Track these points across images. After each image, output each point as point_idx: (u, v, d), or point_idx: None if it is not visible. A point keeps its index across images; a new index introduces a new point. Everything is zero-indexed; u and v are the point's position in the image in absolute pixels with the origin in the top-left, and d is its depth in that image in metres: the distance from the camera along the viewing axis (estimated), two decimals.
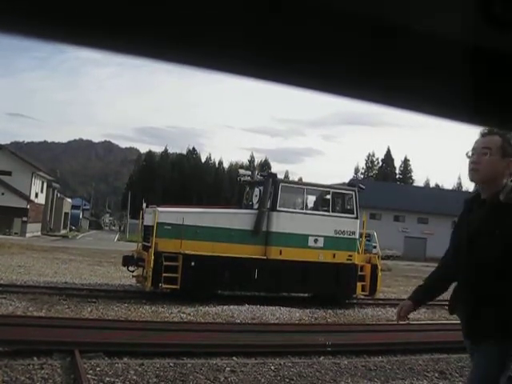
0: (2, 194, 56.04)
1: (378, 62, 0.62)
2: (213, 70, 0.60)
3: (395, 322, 14.23)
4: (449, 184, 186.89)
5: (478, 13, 0.56)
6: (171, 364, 9.11)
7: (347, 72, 0.62)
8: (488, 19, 0.56)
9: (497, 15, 0.55)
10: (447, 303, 4.42)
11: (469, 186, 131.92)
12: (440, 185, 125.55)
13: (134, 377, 8.28)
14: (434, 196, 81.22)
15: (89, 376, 8.04)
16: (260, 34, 0.57)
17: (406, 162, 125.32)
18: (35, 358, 8.68)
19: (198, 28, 0.56)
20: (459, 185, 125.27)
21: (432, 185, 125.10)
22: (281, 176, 22.12)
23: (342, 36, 0.58)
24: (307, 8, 0.55)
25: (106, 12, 0.54)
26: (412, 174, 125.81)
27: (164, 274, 16.03)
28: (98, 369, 8.50)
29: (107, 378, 8.08)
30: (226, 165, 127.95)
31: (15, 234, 54.62)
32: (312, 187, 19.10)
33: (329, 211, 18.22)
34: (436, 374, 10.00)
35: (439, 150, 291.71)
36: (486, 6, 0.55)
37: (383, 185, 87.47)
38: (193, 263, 16.24)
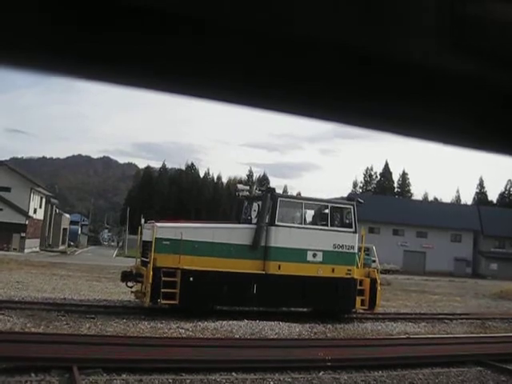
0: (1, 209, 56.00)
1: (365, 89, 0.63)
2: (207, 100, 0.61)
3: (395, 337, 14.16)
4: (447, 197, 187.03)
5: (445, 39, 0.57)
6: (170, 380, 9.07)
7: (337, 99, 0.64)
8: (458, 46, 0.58)
9: (465, 42, 0.57)
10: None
11: (468, 199, 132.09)
12: (439, 198, 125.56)
13: None
14: (433, 210, 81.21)
15: None
16: (252, 66, 0.58)
17: (404, 175, 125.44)
18: (33, 375, 8.64)
19: (195, 64, 0.57)
20: (458, 198, 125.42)
21: (431, 198, 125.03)
22: (279, 191, 22.12)
23: (331, 67, 0.59)
24: (297, 42, 0.56)
25: (105, 48, 0.56)
26: (410, 187, 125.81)
27: (163, 290, 15.97)
28: None
29: None
30: (224, 180, 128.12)
31: (14, 249, 54.51)
32: (310, 202, 19.09)
33: (327, 225, 18.20)
34: None
35: (437, 164, 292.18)
36: (454, 32, 0.57)
37: (382, 199, 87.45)
38: (191, 278, 16.19)
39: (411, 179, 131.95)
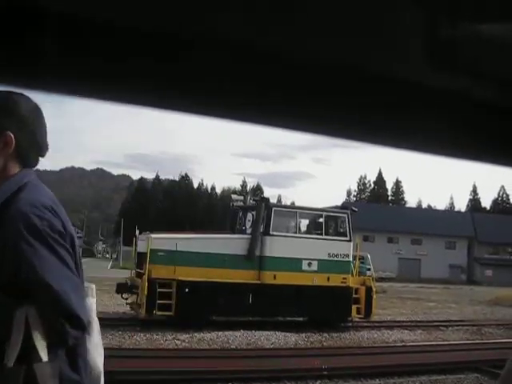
0: None
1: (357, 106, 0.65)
2: (202, 115, 0.63)
3: (391, 344, 14.16)
4: (441, 204, 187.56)
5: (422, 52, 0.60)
6: None
7: (330, 115, 0.65)
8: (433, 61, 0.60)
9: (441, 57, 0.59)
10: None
11: (461, 206, 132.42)
12: (432, 205, 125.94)
13: None
14: (427, 217, 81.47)
15: None
16: (245, 80, 0.60)
17: (397, 183, 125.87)
18: None
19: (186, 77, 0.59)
20: (451, 205, 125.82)
21: (424, 206, 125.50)
22: (273, 200, 22.15)
23: (326, 84, 0.61)
24: (292, 59, 0.58)
25: (98, 66, 0.57)
26: (404, 195, 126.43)
27: (158, 301, 15.94)
28: None
29: None
30: (218, 190, 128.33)
31: None
32: (305, 211, 19.13)
33: (322, 234, 18.23)
34: None
35: (431, 171, 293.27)
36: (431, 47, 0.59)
37: (376, 207, 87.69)
38: (187, 289, 16.16)
39: (405, 187, 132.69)
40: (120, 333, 14.80)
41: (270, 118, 0.65)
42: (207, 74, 0.59)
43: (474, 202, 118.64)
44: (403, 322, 20.94)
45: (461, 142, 0.74)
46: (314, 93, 0.62)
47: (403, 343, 15.91)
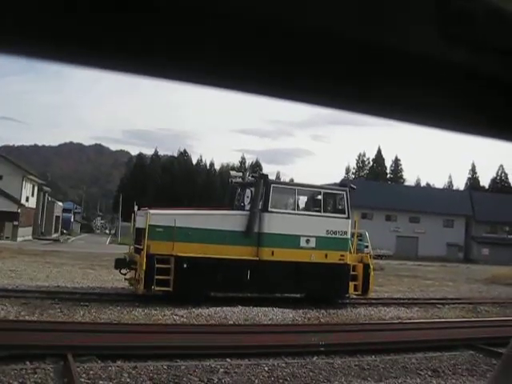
0: None
1: (359, 76, 0.64)
2: (198, 85, 0.62)
3: (388, 321, 14.23)
4: (440, 183, 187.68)
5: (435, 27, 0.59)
6: (165, 366, 9.11)
7: (331, 84, 0.64)
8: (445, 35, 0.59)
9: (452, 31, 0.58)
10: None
11: (460, 185, 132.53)
12: (431, 184, 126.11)
13: (128, 380, 8.28)
14: (426, 195, 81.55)
15: (82, 380, 8.03)
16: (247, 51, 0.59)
17: (396, 161, 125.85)
18: (28, 363, 8.66)
19: (184, 45, 0.58)
20: (450, 184, 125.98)
21: (423, 184, 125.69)
22: (272, 177, 22.12)
23: (328, 53, 0.60)
24: (296, 27, 0.57)
25: (94, 32, 0.56)
26: (403, 173, 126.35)
27: (156, 277, 16.00)
28: (91, 372, 8.49)
29: (100, 382, 8.08)
30: (217, 166, 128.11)
31: (6, 238, 54.38)
32: (303, 188, 19.11)
33: (320, 211, 18.24)
34: (429, 372, 10.05)
35: (430, 150, 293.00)
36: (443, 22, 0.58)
37: (374, 184, 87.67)
38: (185, 265, 16.22)
39: (404, 165, 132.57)
40: (118, 308, 14.89)
41: (270, 88, 0.64)
42: (206, 43, 0.58)
43: (473, 181, 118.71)
44: (400, 299, 21.06)
45: (464, 116, 0.73)
46: (316, 63, 0.61)
47: (400, 320, 16.01)
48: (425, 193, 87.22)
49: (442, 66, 0.63)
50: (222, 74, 0.61)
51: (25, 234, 60.04)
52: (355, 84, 0.65)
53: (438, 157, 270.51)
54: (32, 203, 65.72)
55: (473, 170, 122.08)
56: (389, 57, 0.61)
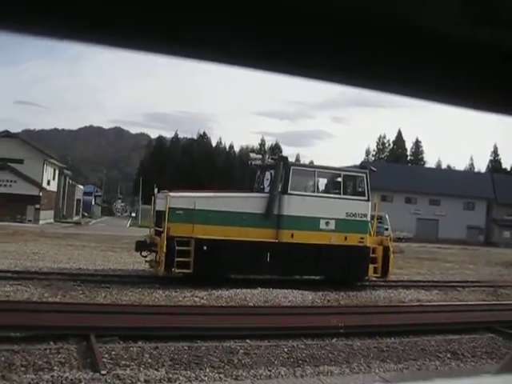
0: (15, 181, 56.39)
1: (378, 54, 0.64)
2: (213, 62, 0.63)
3: (407, 304, 14.19)
4: (461, 165, 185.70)
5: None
6: (185, 347, 9.21)
7: (350, 63, 0.65)
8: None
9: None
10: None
11: (481, 167, 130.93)
12: (452, 166, 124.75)
13: (149, 360, 8.39)
14: (446, 177, 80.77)
15: (104, 360, 8.15)
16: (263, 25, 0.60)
17: (417, 143, 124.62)
18: (52, 343, 8.82)
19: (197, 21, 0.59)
20: (471, 166, 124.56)
21: (444, 166, 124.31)
22: (292, 159, 22.08)
23: (344, 31, 0.61)
24: (307, 6, 0.58)
25: (102, 9, 0.57)
26: (423, 155, 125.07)
27: (177, 259, 16.11)
28: (113, 352, 8.62)
29: (123, 362, 8.20)
30: (236, 149, 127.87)
31: (29, 221, 55.01)
32: (323, 170, 19.05)
33: (340, 194, 18.19)
34: (448, 355, 10.05)
35: (451, 131, 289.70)
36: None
37: (395, 167, 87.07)
38: (205, 247, 16.30)
39: (424, 147, 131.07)
40: (139, 290, 15.03)
41: (287, 66, 0.65)
42: (221, 22, 0.59)
43: (495, 163, 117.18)
44: (420, 281, 21.01)
45: (487, 95, 0.74)
46: (338, 42, 0.62)
47: (419, 303, 15.99)
48: (445, 175, 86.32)
49: (467, 46, 0.64)
50: (242, 51, 0.62)
51: (46, 217, 60.63)
52: (380, 63, 0.66)
53: (460, 139, 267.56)
54: (53, 186, 66.26)
55: (495, 153, 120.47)
56: (413, 36, 0.62)
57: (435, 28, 0.62)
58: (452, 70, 0.68)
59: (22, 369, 7.52)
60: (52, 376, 7.28)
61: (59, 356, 8.18)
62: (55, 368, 7.64)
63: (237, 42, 0.61)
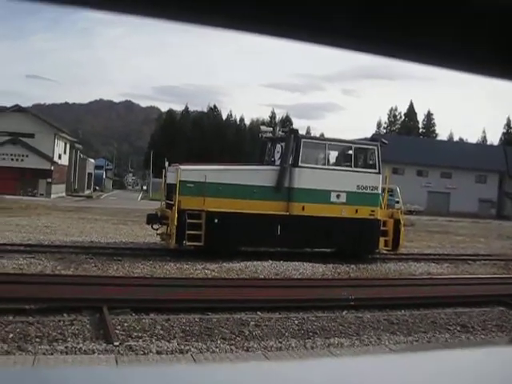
0: (27, 156, 56.64)
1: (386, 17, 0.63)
2: (218, 27, 0.62)
3: (418, 277, 14.22)
4: (473, 138, 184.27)
5: None
6: (197, 319, 9.30)
7: (357, 26, 0.64)
8: None
9: None
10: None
11: (494, 140, 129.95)
12: (464, 139, 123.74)
13: (161, 332, 8.49)
14: (458, 150, 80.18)
15: (117, 331, 8.25)
16: None
17: (429, 115, 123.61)
18: (65, 315, 8.93)
19: None
20: (484, 139, 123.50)
21: (456, 139, 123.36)
22: (302, 132, 21.98)
23: None
24: None
25: None
26: (435, 128, 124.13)
27: (188, 232, 16.19)
28: (125, 324, 8.72)
29: (135, 333, 8.30)
30: (247, 121, 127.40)
31: (41, 195, 55.38)
32: (334, 143, 18.97)
33: (351, 166, 18.13)
34: (458, 328, 10.08)
35: (463, 104, 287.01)
36: None
37: (406, 139, 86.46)
38: (216, 220, 16.37)
39: (436, 120, 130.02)
40: (151, 262, 15.14)
41: (294, 31, 0.64)
42: None
43: (508, 136, 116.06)
44: (430, 254, 21.02)
45: (503, 62, 0.72)
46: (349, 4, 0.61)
47: (430, 276, 16.01)
48: (457, 148, 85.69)
49: (480, 14, 0.63)
50: (237, 16, 0.61)
51: (58, 190, 60.97)
52: (393, 28, 0.64)
53: (472, 111, 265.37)
54: (64, 160, 66.51)
55: (508, 125, 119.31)
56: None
57: None
58: (466, 35, 0.67)
59: (37, 340, 7.64)
60: (66, 347, 7.39)
61: (73, 327, 8.30)
62: (69, 339, 7.75)
63: (244, 4, 0.60)
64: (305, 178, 17.48)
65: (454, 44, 0.68)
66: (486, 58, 0.72)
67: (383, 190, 18.96)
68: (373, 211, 18.14)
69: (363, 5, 0.61)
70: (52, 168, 58.06)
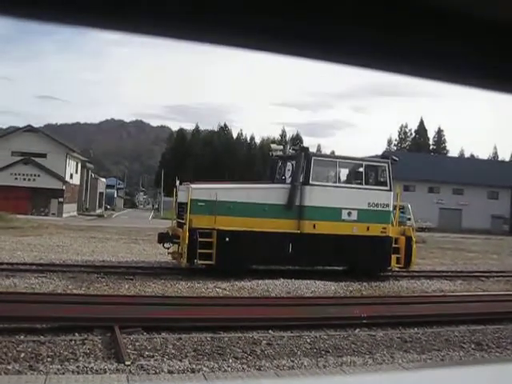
0: (38, 175, 57.01)
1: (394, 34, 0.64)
2: (229, 46, 0.63)
3: (430, 294, 14.10)
4: (484, 154, 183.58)
5: None
6: (208, 338, 9.27)
7: (366, 44, 0.65)
8: None
9: None
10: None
11: (505, 155, 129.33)
12: (475, 155, 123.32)
13: (173, 351, 8.46)
14: (469, 166, 79.86)
15: (128, 350, 8.23)
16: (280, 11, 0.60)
17: (439, 132, 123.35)
18: (77, 334, 8.92)
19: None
20: (495, 154, 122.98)
21: (467, 155, 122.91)
22: (313, 150, 22.01)
23: (360, 12, 0.61)
24: None
25: None
26: (446, 144, 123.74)
27: (199, 250, 16.18)
28: (137, 343, 8.70)
29: (146, 353, 8.27)
30: (257, 140, 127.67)
31: (52, 214, 55.61)
32: (344, 160, 18.98)
33: (362, 184, 18.10)
34: (472, 346, 9.97)
35: (474, 120, 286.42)
36: None
37: (417, 156, 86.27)
38: (227, 239, 16.35)
39: (447, 136, 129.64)
40: (162, 281, 15.13)
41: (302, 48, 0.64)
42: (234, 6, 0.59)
43: None
44: (443, 272, 20.87)
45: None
46: (355, 22, 0.62)
47: (442, 293, 15.89)
48: (469, 164, 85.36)
49: (488, 26, 0.63)
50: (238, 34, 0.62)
51: (70, 210, 61.23)
52: (404, 44, 0.65)
53: (483, 128, 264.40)
54: (76, 180, 66.87)
55: None
56: (437, 18, 0.61)
57: (459, 9, 0.61)
58: (475, 51, 0.67)
59: (49, 359, 7.64)
60: (77, 366, 7.38)
61: (84, 347, 8.29)
62: (80, 359, 7.74)
63: (255, 23, 0.61)
64: (316, 195, 17.46)
65: (464, 59, 0.68)
66: (496, 73, 0.72)
67: (394, 207, 18.89)
68: (384, 228, 18.06)
69: (373, 25, 0.62)
70: (64, 187, 58.37)
